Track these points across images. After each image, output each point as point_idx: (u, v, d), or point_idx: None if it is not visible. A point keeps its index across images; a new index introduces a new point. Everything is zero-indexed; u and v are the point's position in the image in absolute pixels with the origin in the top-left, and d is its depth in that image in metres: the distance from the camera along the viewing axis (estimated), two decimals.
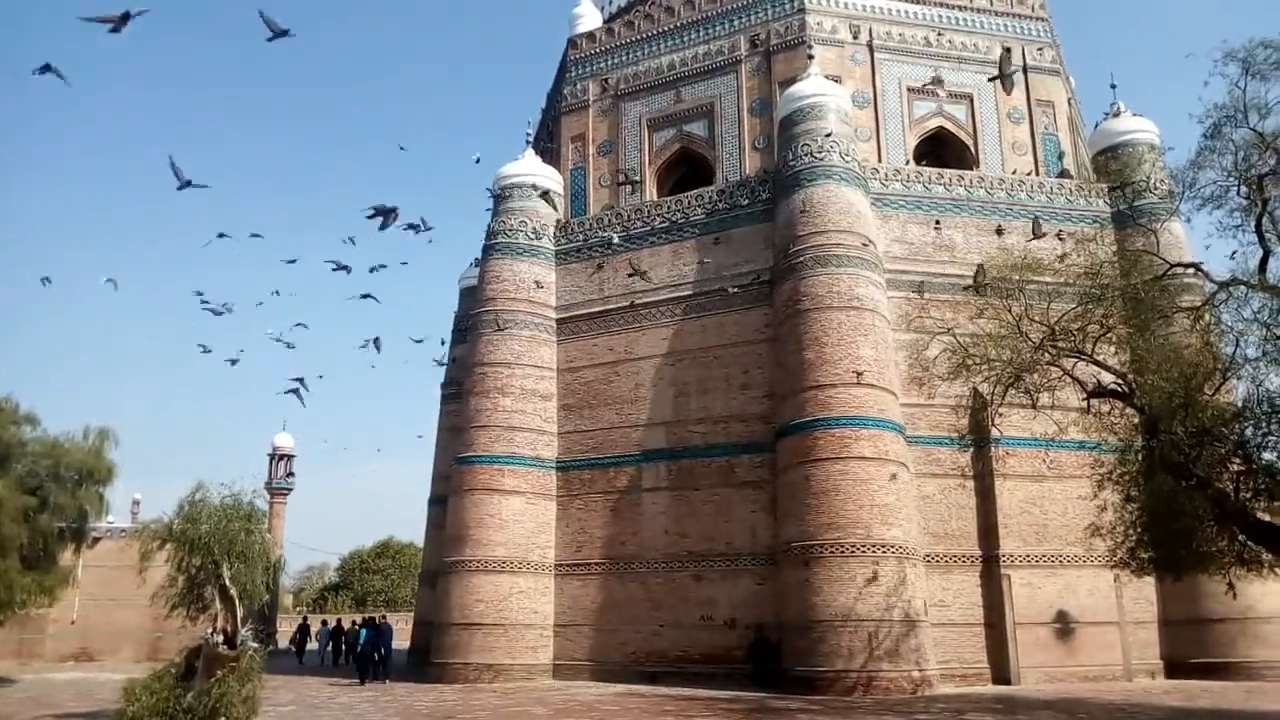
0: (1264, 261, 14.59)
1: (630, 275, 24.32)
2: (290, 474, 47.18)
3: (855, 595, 19.05)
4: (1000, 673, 20.53)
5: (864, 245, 21.96)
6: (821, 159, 22.62)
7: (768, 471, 21.99)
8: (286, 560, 40.67)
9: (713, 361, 23.65)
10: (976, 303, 17.26)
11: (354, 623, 32.27)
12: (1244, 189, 14.80)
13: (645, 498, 23.47)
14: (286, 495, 46.88)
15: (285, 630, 44.13)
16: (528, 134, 28.40)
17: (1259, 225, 14.58)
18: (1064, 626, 20.98)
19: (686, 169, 28.98)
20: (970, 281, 19.84)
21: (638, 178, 27.61)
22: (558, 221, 26.92)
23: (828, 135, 22.70)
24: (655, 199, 27.05)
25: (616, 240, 25.34)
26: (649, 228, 25.51)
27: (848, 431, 20.16)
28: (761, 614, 21.19)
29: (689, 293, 24.41)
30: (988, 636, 20.90)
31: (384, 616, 25.97)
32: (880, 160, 25.25)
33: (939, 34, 27.55)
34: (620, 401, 24.46)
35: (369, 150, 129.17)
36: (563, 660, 22.98)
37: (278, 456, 46.84)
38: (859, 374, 20.51)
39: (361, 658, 23.76)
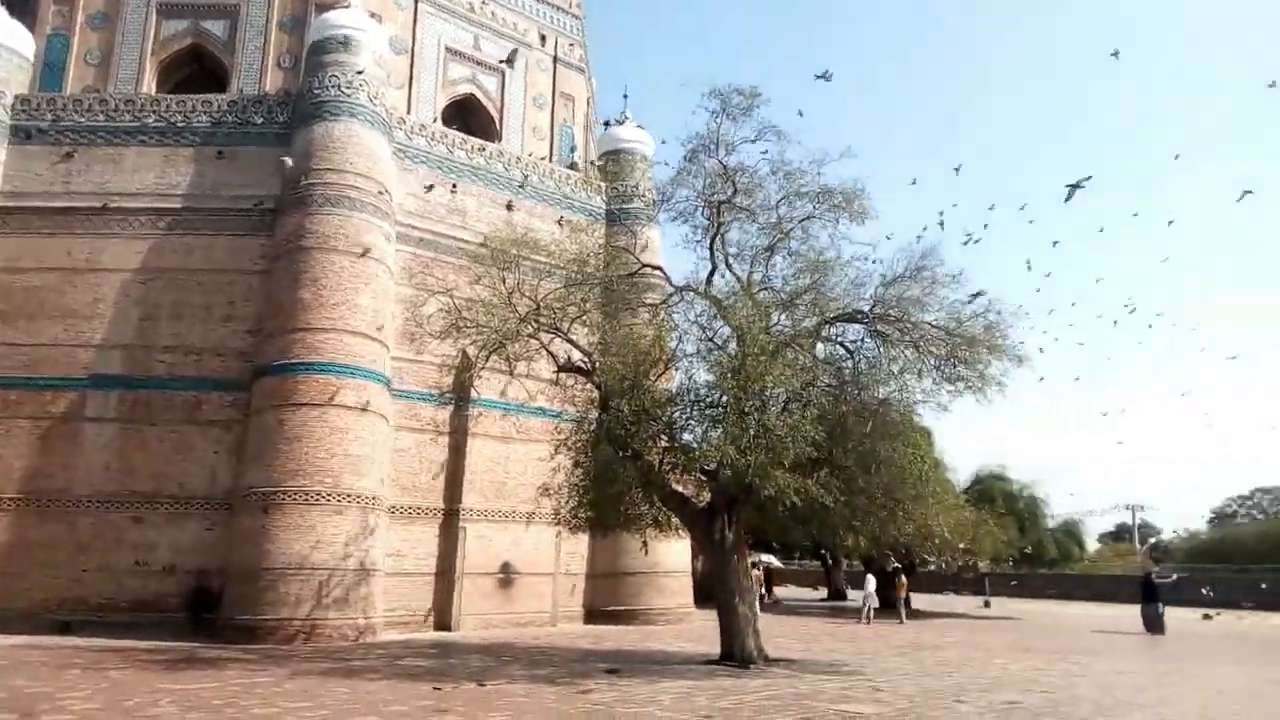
0: (711, 275, 17.39)
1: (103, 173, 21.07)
2: None
3: (312, 544, 18.71)
4: (443, 619, 21.69)
5: (380, 194, 21.63)
6: (349, 95, 21.76)
7: (239, 411, 20.61)
8: None
9: (195, 286, 21.47)
10: (476, 269, 17.96)
11: None
12: (707, 211, 17.47)
13: (87, 428, 20.56)
14: None
15: None
16: None
17: (712, 244, 17.31)
18: (506, 577, 22.89)
19: (197, 68, 25.94)
20: (476, 247, 20.64)
21: None
22: (20, 96, 22.37)
23: (359, 73, 21.93)
24: (154, 94, 23.80)
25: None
26: (139, 124, 22.33)
27: (333, 379, 19.69)
28: (207, 561, 19.84)
29: (178, 205, 21.83)
30: (437, 585, 21.90)
31: None
32: (409, 113, 25.04)
33: (484, 3, 28.10)
34: (73, 316, 21.07)
35: None
36: None
37: None
38: (353, 321, 20.18)
39: None
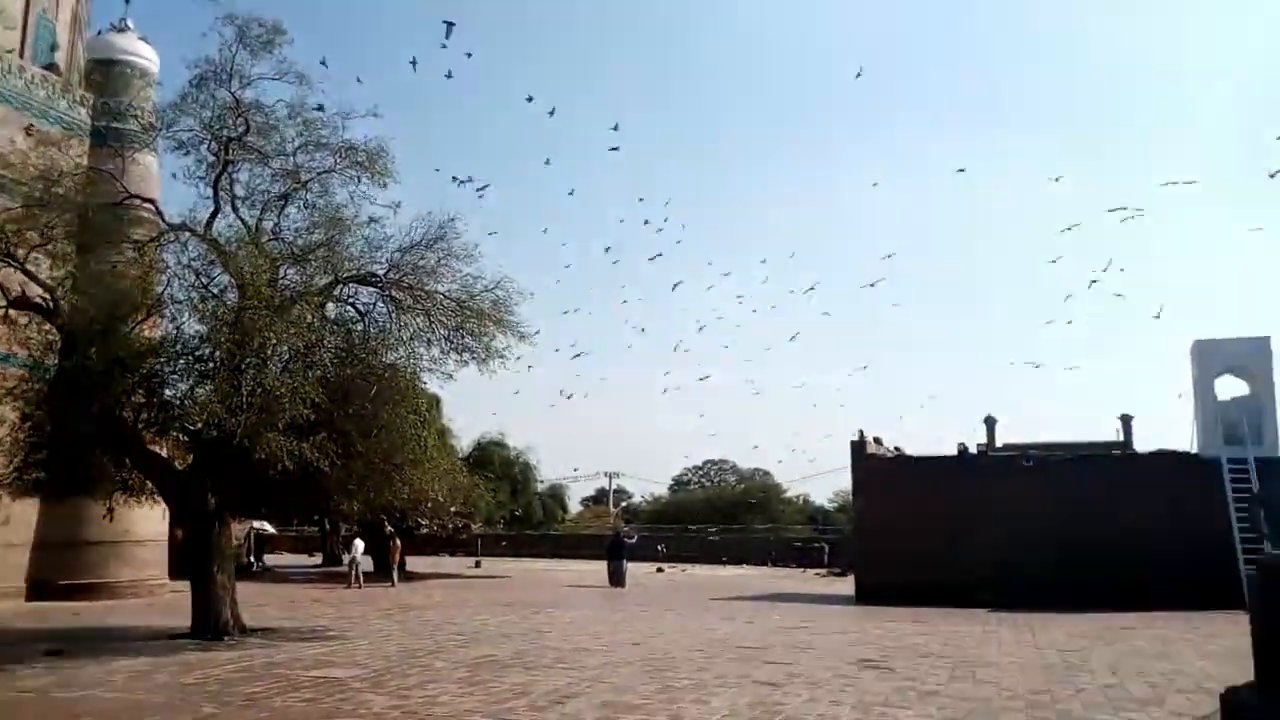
0: (213, 216, 15.87)
1: None
2: None
3: None
4: None
5: None
6: None
7: None
8: None
9: None
10: None
11: None
12: (214, 146, 15.90)
13: None
14: None
15: None
16: None
17: (217, 182, 15.81)
18: None
19: None
20: None
21: None
22: None
23: None
24: None
25: None
26: None
27: None
28: None
29: None
30: None
31: None
32: None
33: None
34: None
35: None
36: None
37: None
38: None
39: None
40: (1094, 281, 51.58)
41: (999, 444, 31.66)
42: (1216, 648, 14.25)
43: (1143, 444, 29.63)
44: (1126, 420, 31.99)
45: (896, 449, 28.44)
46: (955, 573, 23.26)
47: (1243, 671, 8.15)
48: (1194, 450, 23.90)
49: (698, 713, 9.17)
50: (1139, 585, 21.31)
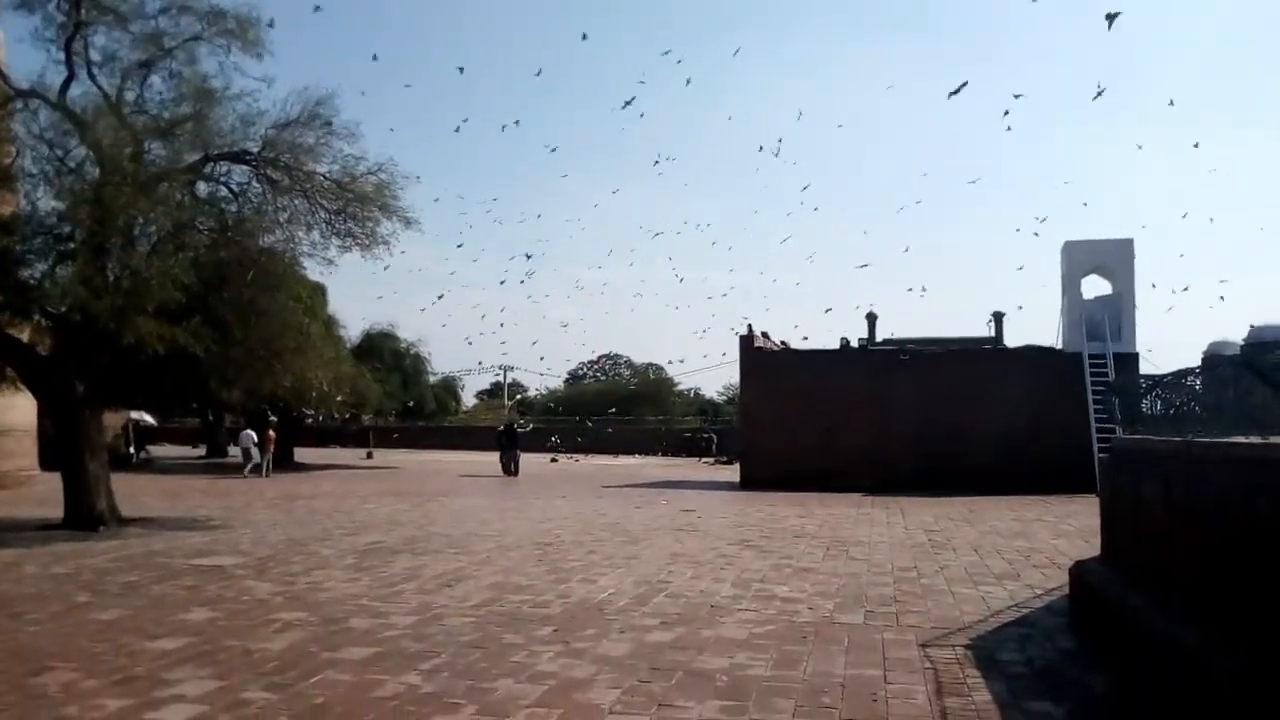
0: (68, 82, 14.58)
1: None
2: None
3: None
4: None
5: None
6: None
7: None
8: None
9: None
10: None
11: None
12: (63, 3, 14.50)
13: None
14: None
15: None
16: None
17: (68, 45, 14.49)
18: None
19: None
20: None
21: None
22: None
23: None
24: None
25: None
26: None
27: None
28: None
29: None
30: None
31: None
32: None
33: None
34: None
35: None
36: None
37: None
38: None
39: None
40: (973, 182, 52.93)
41: (879, 339, 32.86)
42: (1070, 527, 15.38)
43: (1013, 340, 31.26)
44: (999, 317, 33.59)
45: (783, 343, 29.17)
46: (835, 460, 24.32)
47: (1092, 548, 8.83)
48: (1059, 345, 25.26)
49: (585, 592, 9.42)
50: (1004, 472, 22.74)
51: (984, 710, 5.57)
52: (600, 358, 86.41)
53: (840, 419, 24.88)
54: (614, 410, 62.08)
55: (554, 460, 42.16)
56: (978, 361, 26.32)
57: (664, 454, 48.54)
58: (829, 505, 19.53)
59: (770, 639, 7.36)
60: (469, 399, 72.16)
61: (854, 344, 30.13)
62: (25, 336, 15.46)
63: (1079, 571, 8.40)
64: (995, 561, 11.77)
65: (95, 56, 14.78)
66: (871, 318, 34.10)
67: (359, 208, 15.35)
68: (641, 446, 50.98)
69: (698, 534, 14.61)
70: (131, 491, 18.45)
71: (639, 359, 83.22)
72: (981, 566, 11.36)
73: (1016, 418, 23.46)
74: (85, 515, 14.29)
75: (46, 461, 23.18)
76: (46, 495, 17.66)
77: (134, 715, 5.31)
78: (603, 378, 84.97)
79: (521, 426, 35.56)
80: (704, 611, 8.46)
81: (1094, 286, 26.01)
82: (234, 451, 37.54)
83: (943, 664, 6.65)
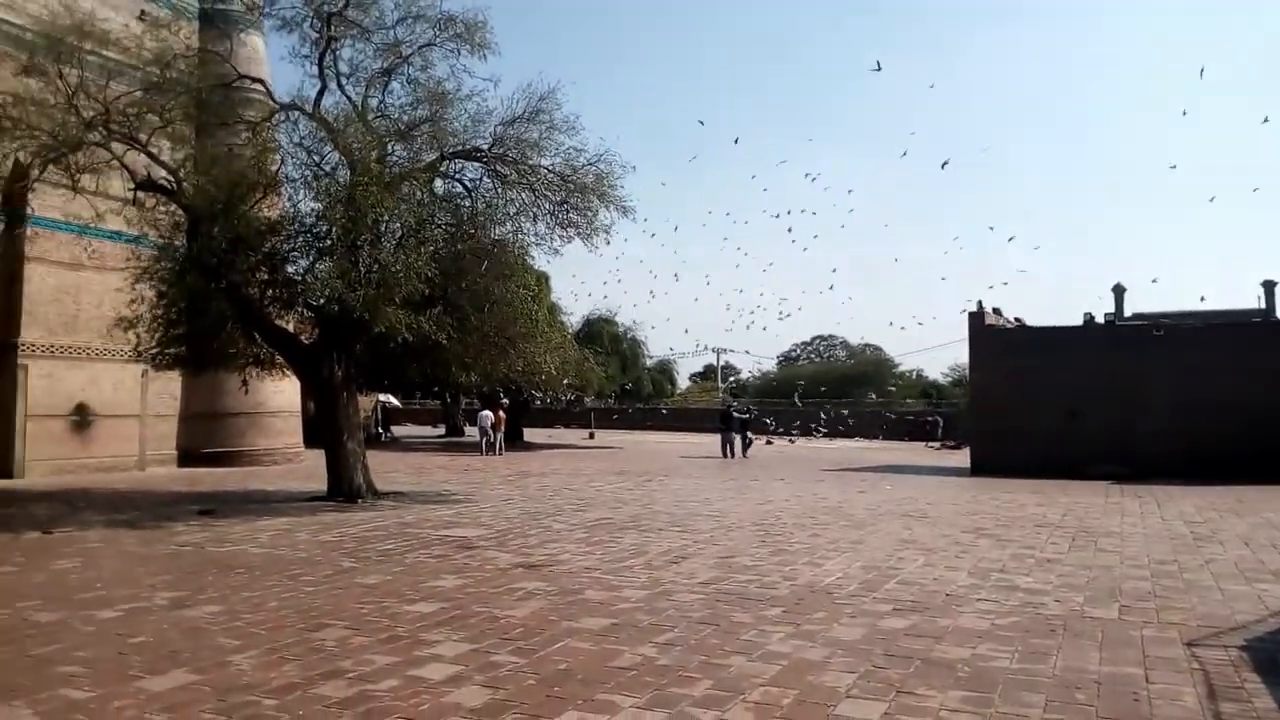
0: (320, 95, 15.99)
1: None
2: None
3: None
4: (3, 466, 19.09)
5: None
6: None
7: None
8: None
9: None
10: (22, 58, 14.78)
11: None
12: (316, 22, 15.89)
13: None
14: None
15: None
16: None
17: (322, 59, 15.86)
18: (83, 419, 20.47)
19: None
20: (18, 30, 17.01)
21: None
22: None
23: None
24: None
25: None
26: None
27: None
28: None
29: None
30: None
31: None
32: None
33: None
34: None
35: None
36: None
37: None
38: None
39: None
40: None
41: (1128, 314, 30.16)
42: None
43: None
44: (1270, 286, 29.91)
45: (1017, 319, 27.41)
46: (1077, 445, 22.62)
47: None
48: None
49: (812, 574, 9.27)
50: (1272, 457, 20.30)
51: (1267, 719, 4.97)
52: (814, 339, 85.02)
53: (1083, 401, 23.08)
54: (830, 393, 60.82)
55: (769, 443, 41.85)
56: (1245, 335, 23.61)
57: (884, 438, 46.96)
58: (1072, 493, 18.19)
59: (1014, 630, 6.92)
60: (683, 381, 73.15)
61: (1099, 320, 27.82)
62: (290, 326, 17.15)
63: None
64: (1272, 556, 10.53)
65: (343, 68, 16.17)
66: (1119, 290, 31.36)
67: (580, 198, 15.82)
68: (860, 429, 49.52)
69: (928, 520, 14.02)
70: (382, 468, 20.05)
71: (855, 339, 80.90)
72: (1255, 562, 10.19)
73: None
74: (345, 489, 15.68)
75: (310, 440, 25.72)
76: (311, 470, 19.56)
77: (399, 671, 5.74)
78: (817, 359, 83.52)
79: (739, 410, 35.33)
80: (939, 600, 8.09)
81: None
82: (469, 431, 40.06)
83: (1214, 665, 6.00)
